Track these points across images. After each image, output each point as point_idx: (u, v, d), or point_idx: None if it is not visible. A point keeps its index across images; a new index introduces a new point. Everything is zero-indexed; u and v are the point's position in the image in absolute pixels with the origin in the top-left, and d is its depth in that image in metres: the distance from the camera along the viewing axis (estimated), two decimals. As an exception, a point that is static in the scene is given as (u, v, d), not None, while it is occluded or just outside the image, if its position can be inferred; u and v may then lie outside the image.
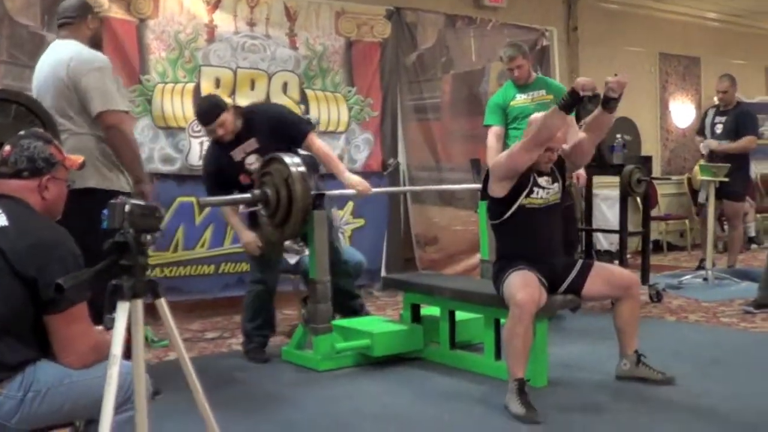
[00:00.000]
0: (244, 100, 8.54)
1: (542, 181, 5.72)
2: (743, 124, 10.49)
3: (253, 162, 6.70)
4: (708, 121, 10.80)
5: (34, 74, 5.70)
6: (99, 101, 5.25)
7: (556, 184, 5.83)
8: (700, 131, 11.03)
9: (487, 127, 8.26)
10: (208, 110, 6.70)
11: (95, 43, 5.59)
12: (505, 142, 8.05)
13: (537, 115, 5.78)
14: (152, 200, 5.53)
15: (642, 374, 5.89)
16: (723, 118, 10.57)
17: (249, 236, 6.78)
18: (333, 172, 6.95)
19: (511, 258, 5.68)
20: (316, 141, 6.96)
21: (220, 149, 6.77)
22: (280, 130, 6.77)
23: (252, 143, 6.73)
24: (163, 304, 3.09)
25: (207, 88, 8.40)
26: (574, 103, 5.52)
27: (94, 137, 5.34)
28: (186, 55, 8.33)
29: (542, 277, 5.59)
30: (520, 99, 8.09)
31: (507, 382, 5.38)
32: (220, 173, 6.77)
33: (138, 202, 3.02)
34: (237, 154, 6.72)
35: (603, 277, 5.84)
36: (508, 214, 5.72)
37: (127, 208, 2.93)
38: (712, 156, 10.50)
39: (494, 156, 7.52)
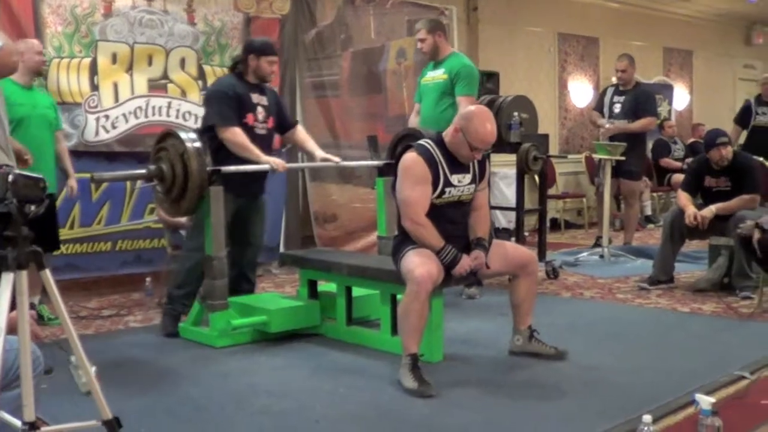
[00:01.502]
0: (141, 76, 8.51)
1: (455, 179, 5.64)
2: (642, 105, 10.67)
3: (260, 112, 7.05)
4: (606, 99, 10.93)
5: None
6: None
7: (469, 180, 5.74)
8: (598, 108, 11.15)
9: None
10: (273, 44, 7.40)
11: None
12: None
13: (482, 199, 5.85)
14: None
15: (534, 349, 5.96)
16: (622, 98, 10.71)
17: (272, 158, 6.90)
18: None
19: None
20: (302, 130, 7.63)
21: (242, 84, 7.02)
22: (279, 108, 7.43)
23: (264, 99, 7.12)
24: (47, 274, 3.05)
25: (104, 64, 8.30)
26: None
27: None
28: (82, 29, 8.20)
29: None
30: (426, 77, 8.16)
31: (402, 357, 5.41)
32: (238, 100, 6.91)
33: (22, 172, 2.97)
34: (254, 97, 7.04)
35: (500, 254, 5.85)
36: None
37: (10, 178, 2.89)
38: (612, 135, 10.63)
39: None
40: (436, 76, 7.99)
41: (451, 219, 5.69)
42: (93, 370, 3.31)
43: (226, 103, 6.85)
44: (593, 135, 14.12)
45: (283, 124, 7.43)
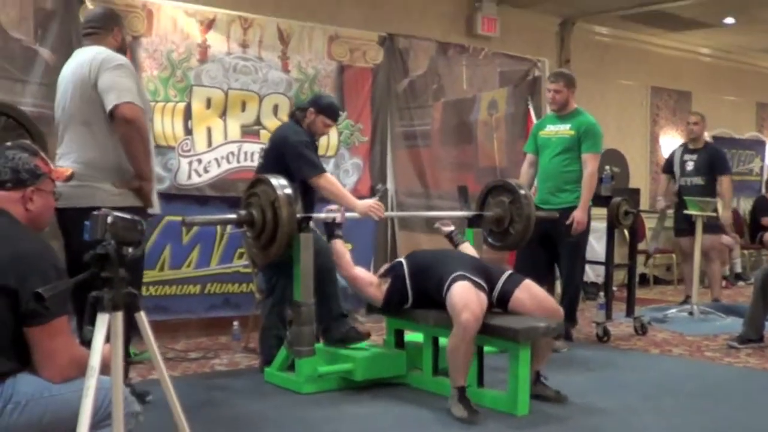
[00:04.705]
0: (234, 122, 8.57)
1: None
2: (721, 163, 10.85)
3: None
4: (676, 159, 11.03)
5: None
6: (114, 95, 5.22)
7: None
8: (668, 169, 11.20)
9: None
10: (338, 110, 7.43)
11: (122, 53, 5.57)
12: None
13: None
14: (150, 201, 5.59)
15: (538, 391, 6.13)
16: (693, 156, 10.85)
17: (368, 202, 6.97)
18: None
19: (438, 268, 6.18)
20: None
21: (310, 137, 7.04)
22: None
23: None
24: (142, 316, 3.08)
25: (198, 108, 8.39)
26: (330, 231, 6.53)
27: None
28: (178, 74, 8.31)
29: (479, 279, 5.97)
30: (548, 130, 8.33)
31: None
32: (315, 148, 7.07)
33: (121, 215, 3.01)
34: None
35: (533, 294, 6.16)
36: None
37: (109, 219, 2.93)
38: (681, 192, 10.81)
39: (524, 181, 8.09)
40: (561, 130, 8.12)
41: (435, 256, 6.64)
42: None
43: (311, 150, 6.90)
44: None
45: None
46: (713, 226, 10.59)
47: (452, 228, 7.19)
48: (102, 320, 2.90)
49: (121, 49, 5.66)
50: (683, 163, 10.86)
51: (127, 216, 3.05)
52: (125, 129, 5.25)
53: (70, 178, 3.94)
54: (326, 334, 6.88)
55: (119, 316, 2.95)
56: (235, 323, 8.29)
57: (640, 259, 13.42)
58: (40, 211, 3.62)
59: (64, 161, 5.35)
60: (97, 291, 2.93)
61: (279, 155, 6.83)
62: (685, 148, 11.00)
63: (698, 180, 10.67)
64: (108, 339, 2.96)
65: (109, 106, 5.24)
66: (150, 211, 5.75)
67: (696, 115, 11.08)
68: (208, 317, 8.73)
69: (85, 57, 5.44)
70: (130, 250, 2.97)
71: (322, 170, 6.84)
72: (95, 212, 2.98)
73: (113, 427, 3.06)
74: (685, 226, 10.44)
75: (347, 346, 6.73)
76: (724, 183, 10.70)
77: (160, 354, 3.26)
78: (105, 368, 3.04)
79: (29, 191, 3.55)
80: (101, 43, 5.53)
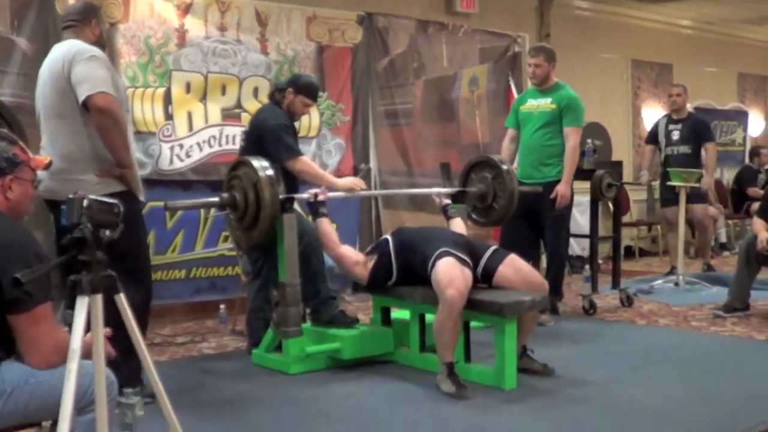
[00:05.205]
0: (215, 105, 8.56)
1: None
2: (706, 133, 11.02)
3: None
4: (661, 129, 11.16)
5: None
6: (87, 86, 5.20)
7: None
8: (652, 140, 11.28)
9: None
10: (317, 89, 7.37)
11: (99, 46, 5.58)
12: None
13: None
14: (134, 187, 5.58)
15: (525, 365, 6.15)
16: (678, 126, 10.99)
17: (348, 180, 7.12)
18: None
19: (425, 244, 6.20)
20: None
21: (286, 115, 7.02)
22: None
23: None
24: (122, 299, 3.07)
25: (178, 93, 8.37)
26: (314, 210, 6.44)
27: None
28: (156, 59, 8.29)
29: (463, 255, 6.00)
30: (529, 104, 8.35)
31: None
32: (293, 130, 7.04)
33: (97, 197, 3.00)
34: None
35: (517, 269, 6.21)
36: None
37: (85, 203, 2.92)
38: (667, 161, 10.89)
39: (506, 156, 8.05)
40: (542, 104, 8.15)
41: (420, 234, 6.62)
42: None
43: (288, 133, 6.88)
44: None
45: None
46: (700, 195, 10.74)
47: (448, 201, 7.25)
48: (81, 304, 2.90)
49: (99, 42, 5.66)
50: (669, 133, 10.94)
51: (104, 199, 3.04)
52: (100, 119, 5.24)
53: (48, 166, 3.94)
54: (315, 316, 6.90)
55: (98, 298, 2.94)
56: (222, 306, 8.34)
57: (633, 232, 13.50)
58: (20, 200, 3.61)
59: (45, 154, 5.35)
60: (75, 275, 2.92)
61: (258, 138, 6.83)
62: (669, 119, 11.09)
63: (685, 149, 10.79)
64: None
65: (82, 97, 5.23)
66: None
67: (678, 86, 11.20)
68: (194, 301, 8.75)
69: (60, 50, 5.45)
70: (107, 232, 2.97)
71: (299, 153, 6.84)
72: (71, 196, 2.97)
73: (96, 411, 3.06)
74: (670, 196, 10.50)
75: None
76: (709, 150, 10.91)
77: (146, 339, 3.26)
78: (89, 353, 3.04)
79: (8, 180, 3.54)
80: (79, 35, 5.53)
